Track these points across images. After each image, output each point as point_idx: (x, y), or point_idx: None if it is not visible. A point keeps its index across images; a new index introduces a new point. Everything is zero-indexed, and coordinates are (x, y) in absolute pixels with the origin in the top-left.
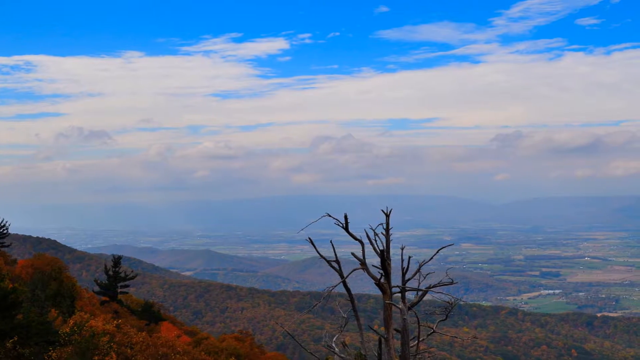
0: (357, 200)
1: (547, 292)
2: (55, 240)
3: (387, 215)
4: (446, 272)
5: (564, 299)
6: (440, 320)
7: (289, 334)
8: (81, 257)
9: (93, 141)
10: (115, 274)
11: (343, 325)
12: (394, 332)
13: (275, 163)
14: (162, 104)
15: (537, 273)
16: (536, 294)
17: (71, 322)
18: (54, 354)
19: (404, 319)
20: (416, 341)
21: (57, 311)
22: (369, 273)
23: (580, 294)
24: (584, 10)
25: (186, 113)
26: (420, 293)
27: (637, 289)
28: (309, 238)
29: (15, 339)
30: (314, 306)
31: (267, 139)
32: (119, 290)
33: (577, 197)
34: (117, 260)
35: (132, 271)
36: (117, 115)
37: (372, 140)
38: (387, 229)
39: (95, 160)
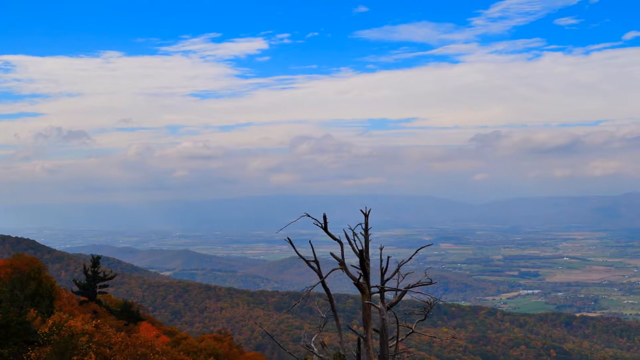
0: (336, 200)
1: (526, 292)
2: (34, 240)
3: (366, 216)
4: (425, 272)
5: (542, 299)
6: (419, 320)
7: (267, 334)
8: (60, 257)
9: (72, 141)
10: (94, 274)
11: (322, 325)
12: (373, 332)
13: (254, 163)
14: (141, 104)
15: (516, 273)
16: (515, 294)
17: (50, 322)
18: (33, 354)
19: (383, 319)
20: (395, 341)
21: (36, 311)
22: (347, 273)
23: (559, 294)
24: (563, 10)
25: (165, 113)
26: (399, 293)
27: (616, 289)
28: (288, 238)
29: None
30: (293, 306)
31: (246, 139)
32: (97, 290)
33: (556, 197)
34: (95, 260)
35: (111, 271)
36: (96, 116)
37: (351, 140)
38: (366, 229)
39: (74, 160)
